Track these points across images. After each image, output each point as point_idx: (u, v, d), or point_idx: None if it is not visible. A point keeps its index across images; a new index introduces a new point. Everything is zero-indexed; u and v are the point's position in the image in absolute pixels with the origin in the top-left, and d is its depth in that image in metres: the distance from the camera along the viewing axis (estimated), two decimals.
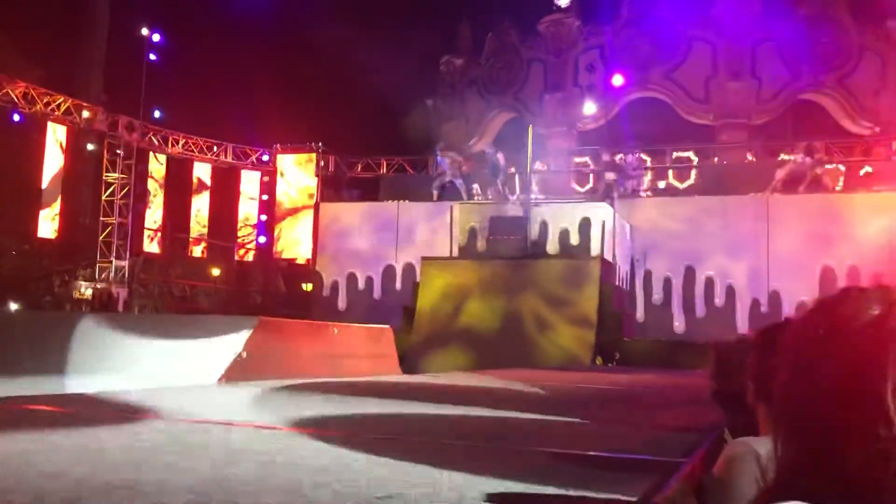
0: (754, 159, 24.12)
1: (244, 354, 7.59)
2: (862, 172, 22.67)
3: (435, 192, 23.51)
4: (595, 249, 17.90)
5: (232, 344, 7.64)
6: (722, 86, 25.18)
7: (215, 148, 28.58)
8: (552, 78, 27.06)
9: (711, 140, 25.22)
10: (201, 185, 28.57)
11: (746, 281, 20.79)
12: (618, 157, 23.33)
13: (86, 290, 25.88)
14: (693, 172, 24.58)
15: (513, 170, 22.57)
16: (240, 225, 28.76)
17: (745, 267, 20.83)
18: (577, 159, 25.99)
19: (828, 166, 21.74)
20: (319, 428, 4.14)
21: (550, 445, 3.63)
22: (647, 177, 24.63)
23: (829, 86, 24.47)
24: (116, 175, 26.32)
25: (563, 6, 27.35)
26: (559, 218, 18.52)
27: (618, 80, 25.52)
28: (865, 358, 1.00)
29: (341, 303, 24.67)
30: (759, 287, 20.70)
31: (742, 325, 20.35)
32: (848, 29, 24.33)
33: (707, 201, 21.70)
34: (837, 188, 22.06)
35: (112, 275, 25.97)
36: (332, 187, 27.14)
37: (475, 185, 23.19)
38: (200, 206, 28.57)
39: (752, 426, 2.67)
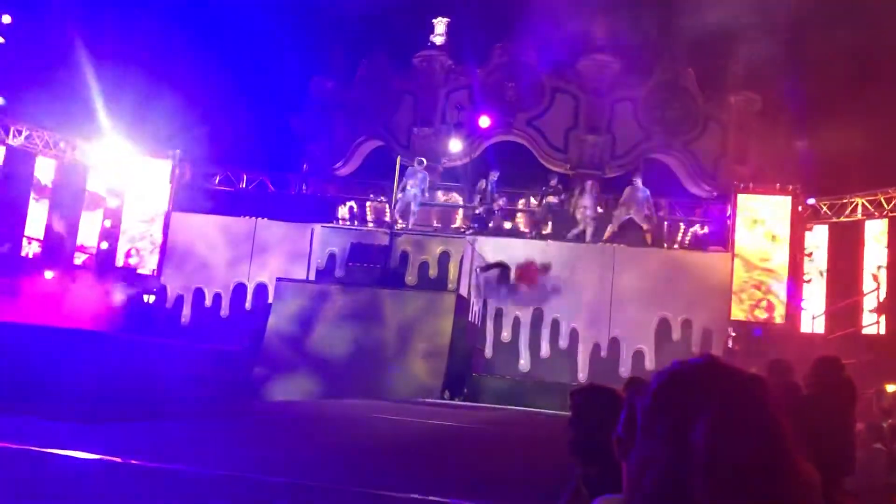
0: (602, 210, 25.34)
1: None
2: (694, 230, 24.43)
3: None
4: (452, 283, 18.17)
5: None
6: (580, 138, 26.42)
7: (62, 144, 26.75)
8: (421, 112, 27.41)
9: (566, 188, 26.32)
10: (42, 183, 26.61)
11: (589, 326, 21.74)
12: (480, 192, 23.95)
13: None
14: (528, 216, 25.59)
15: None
16: (81, 227, 26.95)
17: (589, 312, 21.78)
18: (442, 195, 26.35)
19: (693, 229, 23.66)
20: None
21: (407, 491, 3.60)
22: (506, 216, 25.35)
23: (676, 149, 26.26)
24: None
25: (437, 44, 27.88)
26: (420, 250, 18.69)
27: (484, 121, 26.21)
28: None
29: (184, 318, 23.64)
30: (600, 333, 21.69)
31: (583, 367, 21.23)
32: (696, 98, 26.28)
33: (557, 246, 22.57)
34: (675, 246, 23.66)
35: None
36: (186, 197, 26.06)
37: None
38: (38, 205, 26.60)
39: (605, 479, 2.72)
